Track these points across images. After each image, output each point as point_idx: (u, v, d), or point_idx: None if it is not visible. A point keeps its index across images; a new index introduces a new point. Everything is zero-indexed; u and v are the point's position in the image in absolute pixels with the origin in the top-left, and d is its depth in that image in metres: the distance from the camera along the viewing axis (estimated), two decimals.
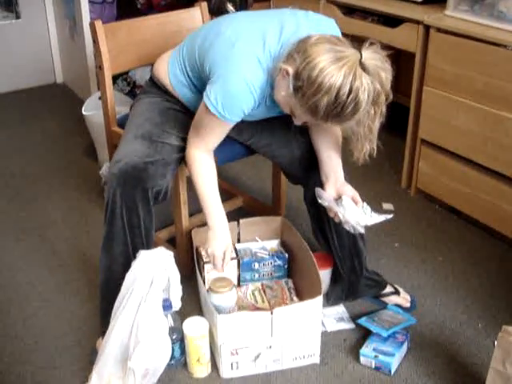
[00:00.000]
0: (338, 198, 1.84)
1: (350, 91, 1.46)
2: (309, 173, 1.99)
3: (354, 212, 1.80)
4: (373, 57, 1.50)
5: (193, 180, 1.87)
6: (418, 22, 2.56)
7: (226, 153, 2.07)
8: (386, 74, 1.51)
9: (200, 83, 1.86)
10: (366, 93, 1.48)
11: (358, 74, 1.46)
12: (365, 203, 1.83)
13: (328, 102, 1.49)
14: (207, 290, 1.88)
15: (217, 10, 3.31)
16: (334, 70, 1.46)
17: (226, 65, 1.66)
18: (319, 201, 1.85)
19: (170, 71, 1.94)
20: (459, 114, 2.46)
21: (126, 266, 1.76)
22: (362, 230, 1.81)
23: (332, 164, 1.88)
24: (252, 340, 1.81)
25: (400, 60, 3.26)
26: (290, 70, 1.54)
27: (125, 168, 1.80)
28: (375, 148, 1.67)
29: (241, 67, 1.65)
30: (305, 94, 1.52)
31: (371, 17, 2.84)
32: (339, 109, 1.50)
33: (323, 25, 1.75)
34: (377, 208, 1.87)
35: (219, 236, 1.89)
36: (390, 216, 1.83)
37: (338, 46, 1.50)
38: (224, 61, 1.67)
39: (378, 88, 1.50)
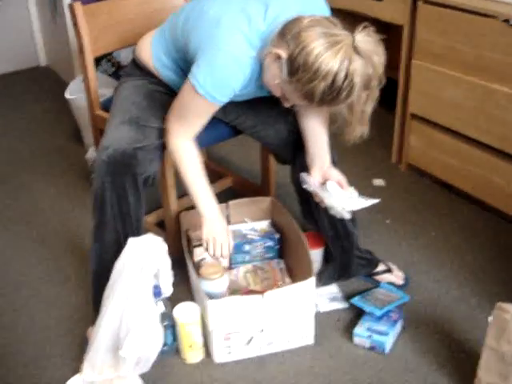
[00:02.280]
0: (324, 183, 1.81)
1: (346, 76, 1.44)
2: (296, 153, 1.96)
3: (340, 197, 1.77)
4: (366, 40, 1.47)
5: (179, 171, 1.82)
6: None
7: (212, 134, 2.03)
8: (379, 58, 1.49)
9: (186, 65, 1.80)
10: (359, 76, 1.46)
11: (352, 57, 1.44)
12: (351, 188, 1.81)
13: (324, 88, 1.46)
14: (198, 277, 1.86)
15: None
16: (330, 55, 1.43)
17: (211, 42, 1.61)
18: (304, 186, 1.83)
19: (153, 54, 1.89)
20: (449, 87, 2.43)
21: (118, 254, 1.73)
22: (348, 216, 1.79)
23: (318, 148, 1.85)
24: (244, 324, 1.79)
25: (388, 33, 3.22)
26: (283, 55, 1.51)
27: (114, 155, 1.76)
28: (366, 130, 1.63)
29: (227, 43, 1.60)
30: (300, 80, 1.49)
31: None
32: (335, 93, 1.47)
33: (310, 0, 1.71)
34: (368, 191, 1.84)
35: (218, 221, 1.86)
36: (376, 200, 1.80)
37: (331, 30, 1.47)
38: (209, 39, 1.62)
39: (371, 72, 1.48)
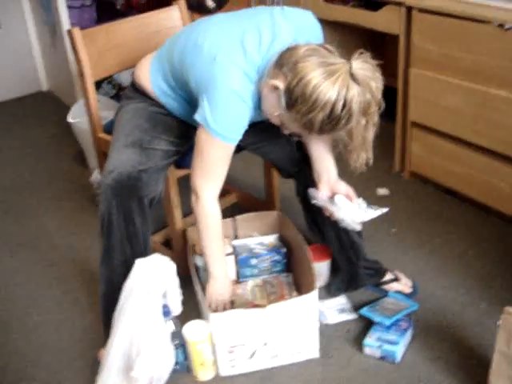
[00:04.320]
0: (332, 197, 1.82)
1: (344, 104, 1.45)
2: (300, 167, 1.98)
3: (349, 209, 1.78)
4: (363, 67, 1.48)
5: (200, 231, 1.83)
6: (399, 4, 2.53)
7: None
8: (377, 84, 1.49)
9: (185, 94, 1.83)
10: (357, 104, 1.47)
11: (350, 86, 1.45)
12: (360, 199, 1.81)
13: (323, 117, 1.47)
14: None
15: (196, 5, 3.28)
16: (327, 85, 1.44)
17: (212, 83, 1.61)
18: (313, 201, 1.84)
19: (152, 81, 1.90)
20: (448, 93, 2.44)
21: (127, 275, 1.74)
22: (359, 227, 1.80)
23: (324, 162, 1.86)
24: (247, 337, 1.80)
25: (385, 41, 3.24)
26: (281, 86, 1.52)
27: (119, 178, 1.77)
28: (371, 157, 1.64)
29: (227, 81, 1.60)
30: (299, 111, 1.50)
31: (352, 1, 2.81)
32: (334, 122, 1.49)
33: (301, 21, 1.72)
34: (372, 201, 1.85)
35: (222, 283, 1.90)
36: (385, 210, 1.81)
37: (327, 59, 1.48)
38: (209, 79, 1.62)
39: (369, 98, 1.48)
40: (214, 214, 1.81)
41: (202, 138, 1.69)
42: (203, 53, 1.66)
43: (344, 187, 1.83)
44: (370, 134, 1.58)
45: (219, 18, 1.80)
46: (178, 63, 1.76)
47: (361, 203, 1.81)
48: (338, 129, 1.52)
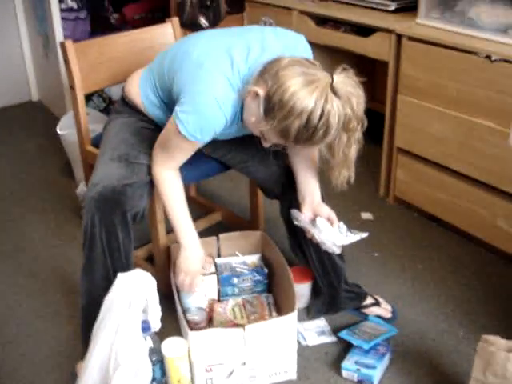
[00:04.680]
0: (315, 218, 1.84)
1: (322, 115, 1.46)
2: (285, 188, 1.99)
3: (330, 233, 1.80)
4: (344, 81, 1.49)
5: (162, 200, 1.88)
6: (389, 31, 2.57)
7: (201, 170, 2.06)
8: (358, 100, 1.51)
9: (172, 103, 1.84)
10: (336, 117, 1.47)
11: (329, 97, 1.46)
12: (341, 223, 1.83)
13: (299, 126, 1.48)
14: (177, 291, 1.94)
15: (189, 24, 3.30)
16: (305, 93, 1.46)
17: (195, 85, 1.64)
18: (295, 222, 1.86)
19: (141, 92, 1.92)
20: (434, 121, 2.47)
21: (107, 289, 1.73)
22: (338, 251, 1.82)
23: (308, 185, 1.87)
24: (225, 356, 1.80)
25: (375, 67, 3.28)
26: (261, 93, 1.54)
27: (103, 192, 1.78)
28: (353, 175, 1.66)
29: (210, 86, 1.63)
30: (276, 117, 1.51)
31: (344, 26, 2.85)
32: (310, 132, 1.49)
33: (292, 42, 1.75)
34: (356, 224, 1.87)
35: (195, 253, 1.91)
36: (365, 234, 1.83)
37: (309, 69, 1.50)
38: (193, 81, 1.65)
39: (349, 113, 1.49)
40: (173, 181, 1.84)
41: (172, 130, 1.71)
42: (191, 59, 1.68)
43: (326, 210, 1.85)
44: (352, 151, 1.59)
45: (211, 32, 1.84)
46: (167, 71, 1.79)
47: (341, 227, 1.83)
48: (315, 140, 1.52)
